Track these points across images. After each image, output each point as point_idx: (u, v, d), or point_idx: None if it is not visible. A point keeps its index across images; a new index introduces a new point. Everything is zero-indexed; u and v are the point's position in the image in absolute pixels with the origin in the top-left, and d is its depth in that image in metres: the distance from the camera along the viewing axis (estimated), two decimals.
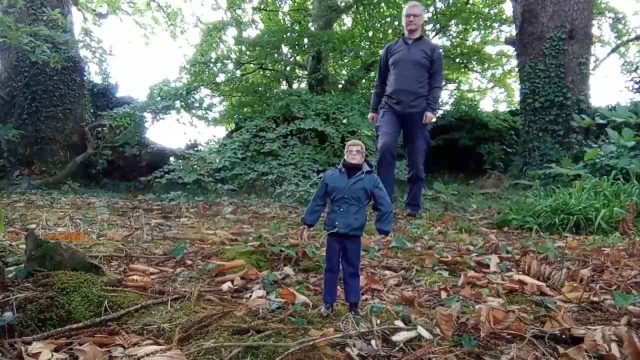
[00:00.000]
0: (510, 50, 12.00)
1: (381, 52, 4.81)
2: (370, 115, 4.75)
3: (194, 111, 9.94)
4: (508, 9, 11.54)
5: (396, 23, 11.46)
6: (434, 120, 4.45)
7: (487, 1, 12.91)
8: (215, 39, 12.80)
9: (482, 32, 13.38)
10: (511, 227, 3.90)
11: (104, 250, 2.12)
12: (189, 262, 2.06)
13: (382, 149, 4.40)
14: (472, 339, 1.14)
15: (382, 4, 11.91)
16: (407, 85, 4.33)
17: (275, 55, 11.38)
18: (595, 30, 10.97)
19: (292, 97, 9.27)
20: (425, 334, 1.21)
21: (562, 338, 1.23)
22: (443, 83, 4.72)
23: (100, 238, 2.50)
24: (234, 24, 12.90)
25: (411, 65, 4.34)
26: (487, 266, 2.15)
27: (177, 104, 9.40)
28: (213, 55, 11.95)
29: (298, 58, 12.52)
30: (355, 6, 12.16)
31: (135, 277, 1.63)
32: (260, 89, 11.83)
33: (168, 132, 43.28)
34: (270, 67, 12.14)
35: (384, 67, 4.58)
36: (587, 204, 3.83)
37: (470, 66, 13.60)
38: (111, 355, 1.08)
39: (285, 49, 11.76)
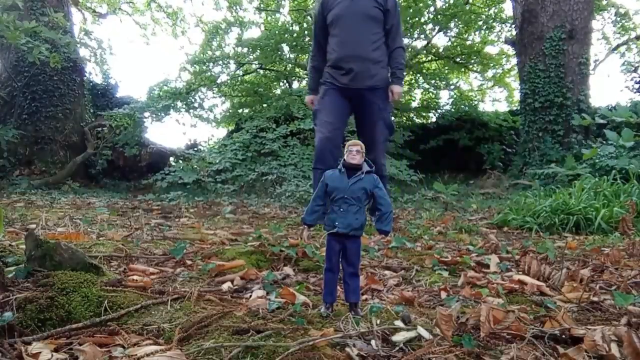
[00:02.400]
0: (510, 50, 12.00)
1: (315, 8, 3.49)
2: (307, 98, 3.57)
3: (194, 111, 9.95)
4: (508, 9, 11.56)
5: None
6: (401, 95, 3.30)
7: (487, 1, 12.92)
8: (217, 40, 12.79)
9: (482, 32, 13.39)
10: (511, 227, 3.90)
11: (104, 250, 2.11)
12: (189, 262, 2.06)
13: (321, 147, 3.19)
14: (472, 339, 1.14)
15: None
16: (356, 49, 3.17)
17: (275, 57, 11.37)
18: (596, 25, 10.95)
19: (292, 97, 9.27)
20: (425, 334, 1.21)
21: (562, 338, 1.22)
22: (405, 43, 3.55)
23: (100, 238, 2.50)
24: (236, 24, 12.90)
25: (359, 20, 3.18)
26: (487, 266, 2.15)
27: (178, 104, 9.42)
28: (214, 55, 11.96)
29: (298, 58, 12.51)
30: None
31: (135, 277, 1.63)
32: (260, 89, 11.83)
33: (168, 132, 43.38)
34: (271, 67, 12.14)
35: (321, 29, 3.39)
36: (587, 204, 3.83)
37: (470, 66, 13.61)
38: (111, 355, 1.08)
39: (285, 49, 11.75)
